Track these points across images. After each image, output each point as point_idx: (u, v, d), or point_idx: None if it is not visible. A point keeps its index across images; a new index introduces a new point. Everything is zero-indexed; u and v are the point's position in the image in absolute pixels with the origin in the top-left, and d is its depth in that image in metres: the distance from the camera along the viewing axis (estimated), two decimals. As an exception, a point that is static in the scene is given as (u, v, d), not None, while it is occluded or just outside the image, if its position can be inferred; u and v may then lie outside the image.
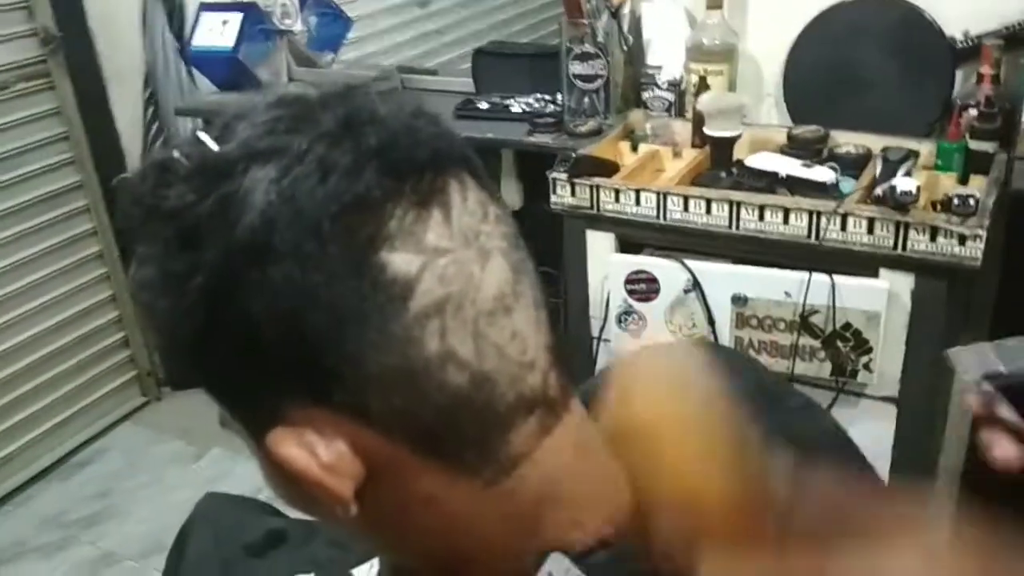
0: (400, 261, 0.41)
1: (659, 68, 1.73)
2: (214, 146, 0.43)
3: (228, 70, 2.04)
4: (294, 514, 0.57)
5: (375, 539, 0.50)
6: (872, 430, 1.44)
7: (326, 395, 0.42)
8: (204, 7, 2.10)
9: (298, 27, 2.12)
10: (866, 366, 1.38)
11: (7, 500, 2.34)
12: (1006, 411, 0.51)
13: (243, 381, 0.44)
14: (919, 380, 1.36)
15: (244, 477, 2.10)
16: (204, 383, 0.45)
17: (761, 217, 1.39)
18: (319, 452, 0.42)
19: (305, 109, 0.43)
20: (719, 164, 1.57)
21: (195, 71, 2.28)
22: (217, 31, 2.03)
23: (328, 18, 2.24)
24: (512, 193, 1.98)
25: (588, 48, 1.70)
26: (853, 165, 1.50)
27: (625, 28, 1.73)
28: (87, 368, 2.49)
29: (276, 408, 0.43)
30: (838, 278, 1.35)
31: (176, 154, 0.43)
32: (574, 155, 1.53)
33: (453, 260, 0.42)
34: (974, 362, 0.54)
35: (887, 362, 1.37)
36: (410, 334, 0.41)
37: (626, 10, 1.73)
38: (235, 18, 2.02)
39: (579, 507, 0.47)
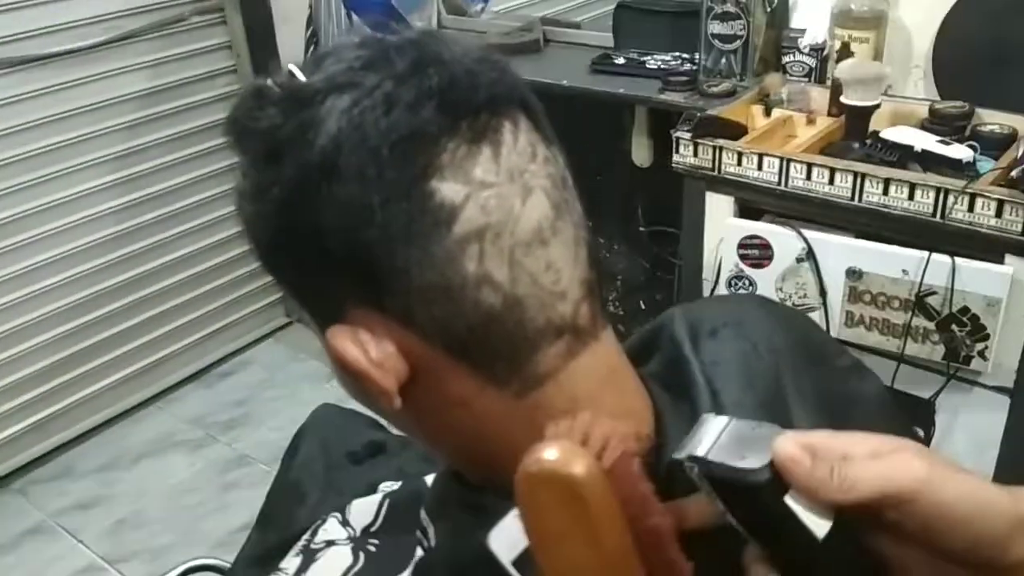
0: (447, 190, 0.46)
1: (802, 32, 1.69)
2: (302, 77, 0.49)
3: (380, 14, 2.13)
4: (395, 430, 0.65)
5: (417, 433, 0.56)
6: (982, 420, 1.39)
7: (378, 301, 0.48)
8: (365, -47, 2.20)
9: (450, -25, 2.18)
10: (981, 353, 1.33)
11: (159, 398, 2.59)
12: None
13: (310, 282, 0.50)
14: (1038, 373, 1.31)
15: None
16: (281, 280, 0.52)
17: (886, 191, 1.36)
18: (369, 349, 0.49)
19: (382, 51, 0.49)
20: (853, 134, 1.53)
21: (353, 15, 2.39)
22: (374, -24, 2.13)
23: (480, -33, 2.30)
24: (642, 150, 1.99)
25: (729, 8, 1.68)
26: (996, 145, 1.43)
27: (764, -8, 1.69)
28: (239, 286, 2.70)
29: (338, 308, 0.50)
30: (960, 260, 1.30)
31: (270, 82, 0.49)
32: (699, 115, 1.53)
33: (496, 193, 0.47)
34: None
35: (1004, 351, 1.32)
36: (451, 255, 0.46)
37: (773, -30, 1.69)
38: (391, -36, 2.11)
39: (600, 428, 0.52)
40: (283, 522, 0.89)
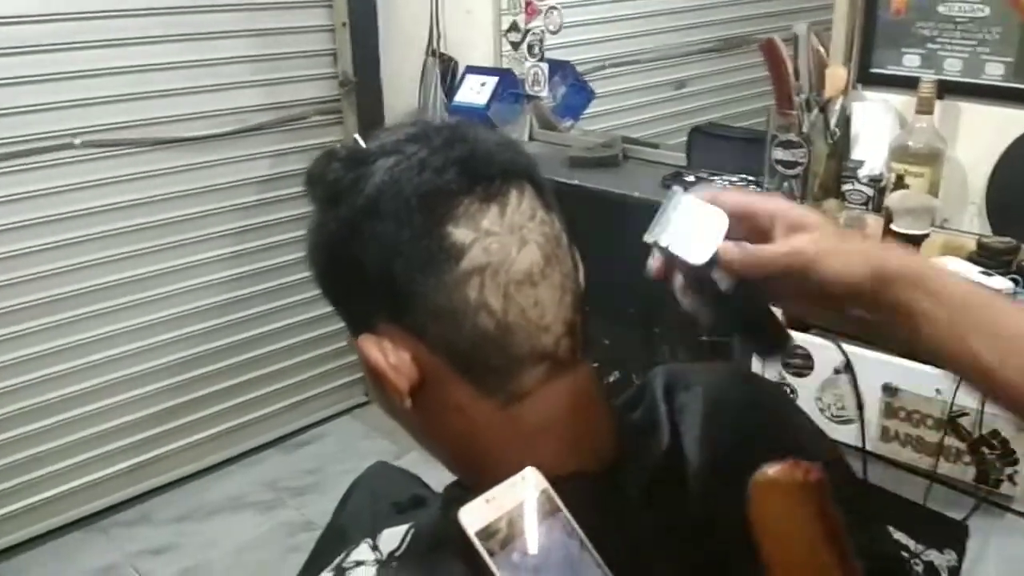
0: (459, 234, 0.60)
1: (861, 163, 1.80)
2: (363, 144, 0.65)
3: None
4: (438, 490, 0.76)
5: (421, 433, 0.68)
6: (1013, 546, 1.40)
7: (400, 318, 0.62)
8: (470, 69, 2.44)
9: (545, 94, 2.39)
10: (1011, 478, 1.36)
11: (240, 458, 2.76)
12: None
13: (351, 299, 0.65)
14: (1070, 504, 1.33)
15: (429, 479, 2.35)
16: (329, 297, 0.66)
17: (922, 313, 1.43)
18: (389, 355, 0.62)
19: (424, 130, 0.64)
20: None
21: (456, 123, 2.63)
22: (475, 90, 2.36)
23: (574, 89, 2.50)
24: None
25: (792, 137, 1.81)
26: (1039, 280, 1.49)
27: (833, 123, 1.82)
28: (325, 361, 2.89)
29: (369, 320, 0.63)
30: (990, 383, 1.35)
31: (340, 147, 0.65)
32: (753, 230, 1.64)
33: (498, 240, 0.60)
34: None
35: (1034, 477, 1.35)
36: (458, 284, 0.60)
37: (836, 106, 1.82)
38: (491, 81, 2.33)
39: (566, 442, 0.63)
40: (328, 562, 1.01)
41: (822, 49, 1.88)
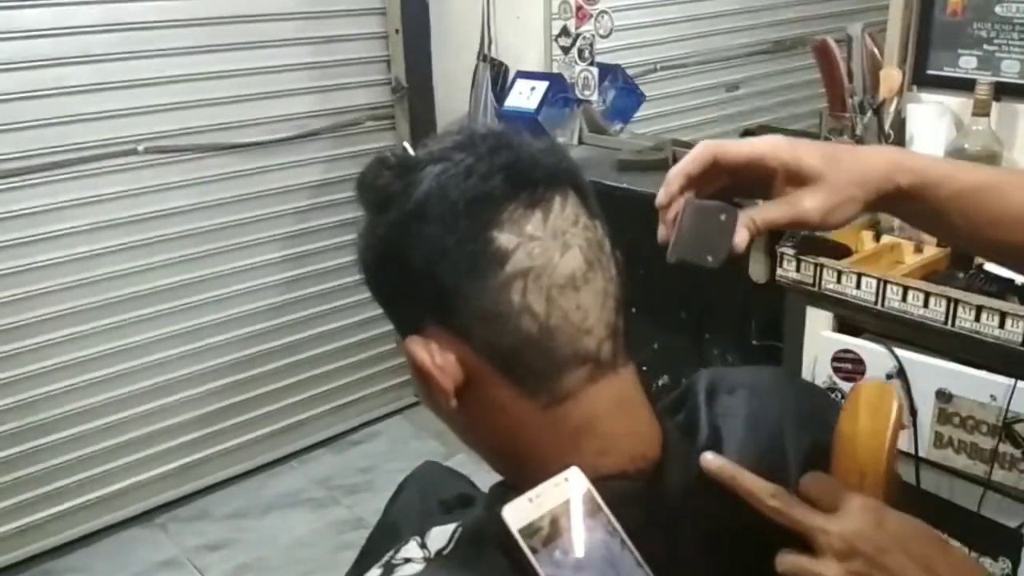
0: (504, 239, 0.61)
1: (915, 167, 1.77)
2: (412, 152, 0.67)
3: (529, 129, 2.34)
4: (485, 490, 0.78)
5: (466, 432, 0.70)
6: (1070, 557, 1.38)
7: (446, 320, 0.63)
8: (520, 74, 2.46)
9: (595, 98, 2.40)
10: (1068, 486, 1.34)
11: (294, 456, 2.82)
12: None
13: (399, 301, 0.67)
14: None
15: (477, 479, 2.37)
16: (378, 299, 0.69)
17: (977, 318, 1.41)
18: (435, 356, 0.64)
19: (470, 138, 0.66)
20: (958, 265, 1.59)
21: (505, 127, 2.65)
22: (526, 95, 2.37)
23: (624, 92, 2.50)
24: (759, 266, 2.09)
25: (845, 139, 1.79)
26: (1099, 286, 1.46)
27: (887, 125, 1.80)
28: (377, 362, 2.93)
29: (416, 322, 0.65)
30: (1047, 390, 1.33)
31: (389, 154, 0.67)
32: (803, 233, 1.63)
33: (541, 245, 0.62)
34: None
35: (1092, 486, 1.32)
36: (502, 287, 0.61)
37: (891, 108, 1.80)
38: (541, 86, 2.35)
39: (609, 443, 0.64)
40: (378, 559, 1.03)
41: (876, 51, 1.86)
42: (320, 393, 2.85)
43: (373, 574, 0.84)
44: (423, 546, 0.89)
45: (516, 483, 0.68)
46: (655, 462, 0.65)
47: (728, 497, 0.64)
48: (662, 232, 0.68)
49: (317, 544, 2.46)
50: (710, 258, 0.66)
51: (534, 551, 0.58)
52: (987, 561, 1.49)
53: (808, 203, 0.65)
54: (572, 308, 0.62)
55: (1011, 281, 1.49)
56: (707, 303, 2.31)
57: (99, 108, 2.25)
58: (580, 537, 0.60)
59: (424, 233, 0.62)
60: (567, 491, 0.61)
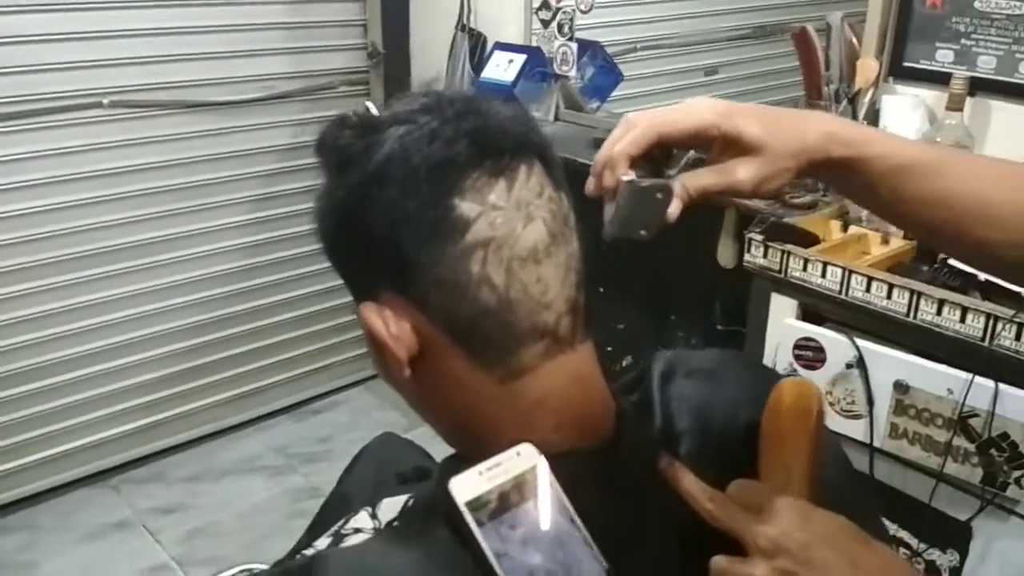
0: (465, 207, 0.60)
1: (887, 158, 1.77)
2: (375, 112, 0.64)
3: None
4: (440, 459, 0.77)
5: (421, 404, 0.69)
6: (1017, 550, 1.39)
7: (402, 287, 0.62)
8: (498, 46, 2.43)
9: (572, 74, 2.38)
10: (1018, 481, 1.35)
11: (253, 423, 2.80)
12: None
13: (355, 265, 0.65)
14: (1078, 511, 1.32)
15: (436, 453, 2.37)
16: (334, 262, 0.67)
17: (939, 312, 1.41)
18: (390, 324, 0.62)
19: (437, 101, 0.64)
20: (923, 258, 1.59)
21: (482, 99, 2.62)
22: (503, 67, 2.35)
23: (603, 70, 2.48)
24: (727, 251, 2.09)
25: (819, 128, 1.79)
26: (1061, 284, 1.47)
27: (861, 115, 1.80)
28: (341, 332, 2.90)
29: (372, 288, 0.63)
30: (1004, 386, 1.34)
31: (352, 113, 0.65)
32: (772, 219, 1.63)
33: (503, 215, 0.60)
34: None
35: (1042, 482, 1.34)
36: (461, 256, 0.60)
37: (866, 98, 1.80)
38: (519, 59, 2.32)
39: (563, 419, 0.63)
40: (329, 528, 1.02)
41: (855, 40, 1.86)
42: (282, 360, 2.82)
43: (322, 543, 0.83)
44: (374, 516, 0.88)
45: (469, 456, 0.67)
46: (609, 440, 0.64)
47: None
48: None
49: (271, 511, 2.44)
50: (643, 232, 0.66)
51: (480, 524, 0.57)
52: (936, 552, 1.51)
53: (742, 173, 0.65)
54: (532, 281, 0.61)
55: (974, 276, 1.49)
56: (673, 285, 2.31)
57: (64, 58, 2.19)
58: (528, 513, 0.59)
59: (384, 197, 0.60)
60: (518, 466, 0.60)
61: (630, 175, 0.65)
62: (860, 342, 1.49)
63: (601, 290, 2.49)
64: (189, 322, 2.60)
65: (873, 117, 1.82)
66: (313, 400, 2.92)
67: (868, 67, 1.78)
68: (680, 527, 0.62)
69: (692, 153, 0.70)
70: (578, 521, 0.60)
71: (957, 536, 1.46)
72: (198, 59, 2.40)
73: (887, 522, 1.55)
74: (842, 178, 0.68)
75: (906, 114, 1.78)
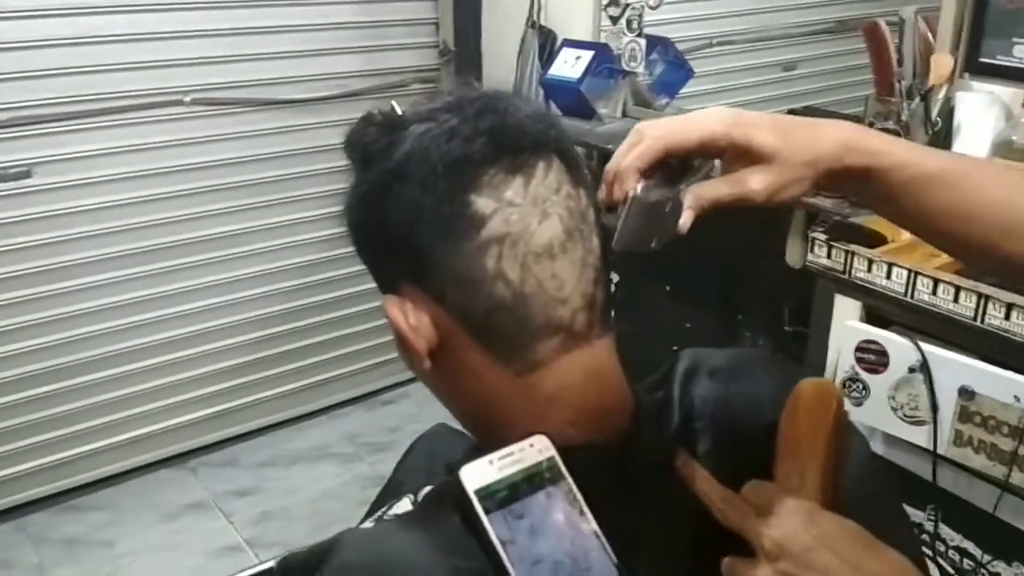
0: (481, 203, 0.61)
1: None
2: (399, 111, 0.66)
3: (571, 99, 2.34)
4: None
5: (441, 393, 0.71)
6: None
7: (421, 281, 0.63)
8: (567, 43, 2.43)
9: (640, 70, 2.37)
10: (1088, 494, 1.30)
11: (325, 411, 2.88)
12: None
13: (378, 259, 0.67)
14: None
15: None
16: (360, 255, 0.69)
17: (1008, 316, 1.36)
18: (409, 316, 0.64)
19: (459, 101, 0.65)
20: (995, 260, 1.54)
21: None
22: (570, 64, 2.35)
23: (673, 66, 2.46)
24: (796, 251, 2.05)
25: (890, 125, 1.74)
26: None
27: (934, 112, 1.74)
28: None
29: (394, 282, 0.65)
30: (1074, 394, 1.29)
31: (376, 112, 0.67)
32: (835, 218, 1.59)
33: (519, 212, 0.61)
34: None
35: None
36: (477, 252, 0.61)
37: (940, 95, 1.74)
38: (587, 55, 2.32)
39: (578, 413, 0.64)
40: (375, 513, 1.05)
41: (930, 35, 1.80)
42: (354, 351, 2.88)
43: (366, 524, 0.86)
44: (415, 503, 0.90)
45: (486, 447, 0.68)
46: (625, 435, 0.65)
47: None
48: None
49: (340, 497, 2.50)
50: (654, 244, 0.65)
51: (488, 512, 0.58)
52: (1001, 565, 1.46)
53: (755, 183, 0.63)
54: (547, 277, 0.62)
55: (1048, 280, 1.44)
56: (743, 285, 2.28)
57: (147, 58, 2.29)
58: (538, 503, 0.60)
59: (403, 193, 0.62)
60: (531, 456, 0.61)
61: (639, 187, 0.64)
62: (924, 346, 1.45)
63: (668, 288, 2.49)
64: (265, 312, 2.68)
65: (948, 114, 1.76)
66: (383, 391, 2.98)
67: (942, 63, 1.73)
68: (692, 525, 0.62)
69: (717, 163, 0.68)
70: (588, 514, 0.60)
71: (1023, 548, 1.41)
72: (275, 58, 2.47)
73: (950, 531, 1.51)
74: (862, 189, 0.66)
75: (981, 112, 1.72)
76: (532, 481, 0.61)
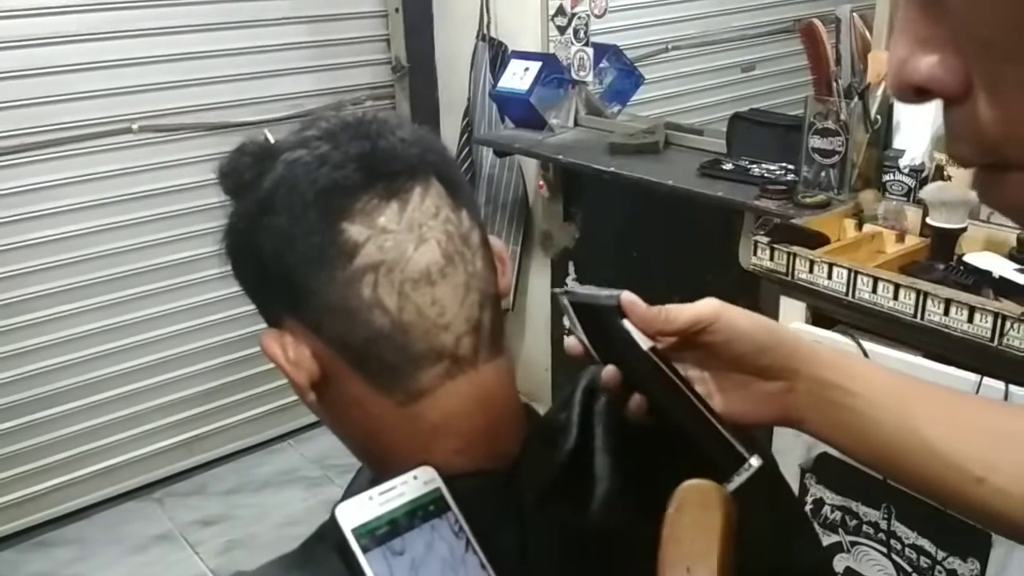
0: (354, 231, 0.60)
1: (902, 152, 1.72)
2: (272, 139, 0.65)
3: (521, 110, 2.34)
4: None
5: (331, 425, 0.69)
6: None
7: (298, 313, 0.62)
8: (514, 54, 2.43)
9: (589, 79, 2.37)
10: (1034, 487, 1.29)
11: (292, 435, 2.85)
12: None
13: (257, 292, 0.66)
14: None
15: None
16: (242, 288, 0.67)
17: (947, 312, 1.36)
18: (288, 351, 0.63)
19: (335, 126, 0.64)
20: (938, 256, 1.54)
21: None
22: (519, 76, 2.34)
23: (623, 74, 2.46)
24: (746, 252, 2.05)
25: (830, 125, 1.74)
26: (1081, 279, 1.40)
27: (874, 110, 1.74)
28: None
29: (275, 314, 0.64)
30: (1013, 387, 1.28)
31: (248, 140, 0.66)
32: (777, 221, 1.59)
33: (393, 238, 0.60)
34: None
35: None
36: (351, 281, 0.60)
37: (878, 93, 1.74)
38: (534, 66, 2.32)
39: (466, 441, 0.63)
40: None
41: (867, 33, 1.81)
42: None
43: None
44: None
45: (379, 478, 0.67)
46: (515, 460, 0.64)
47: (583, 501, 0.63)
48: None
49: (308, 522, 2.43)
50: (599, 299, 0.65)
51: (365, 550, 0.57)
52: (956, 561, 1.45)
53: (710, 301, 0.64)
54: (427, 303, 0.61)
55: (988, 273, 1.44)
56: (698, 287, 2.27)
57: (93, 87, 2.27)
58: (422, 537, 0.58)
59: (272, 224, 0.61)
60: (415, 489, 0.60)
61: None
62: (868, 345, 1.45)
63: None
64: (225, 337, 2.66)
65: (887, 112, 1.77)
66: (351, 411, 2.95)
67: (879, 60, 1.73)
68: (577, 551, 0.61)
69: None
70: (475, 544, 0.59)
71: (977, 544, 1.40)
72: (224, 81, 2.46)
73: (905, 529, 1.50)
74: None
75: (920, 108, 1.72)
76: (416, 515, 0.59)
